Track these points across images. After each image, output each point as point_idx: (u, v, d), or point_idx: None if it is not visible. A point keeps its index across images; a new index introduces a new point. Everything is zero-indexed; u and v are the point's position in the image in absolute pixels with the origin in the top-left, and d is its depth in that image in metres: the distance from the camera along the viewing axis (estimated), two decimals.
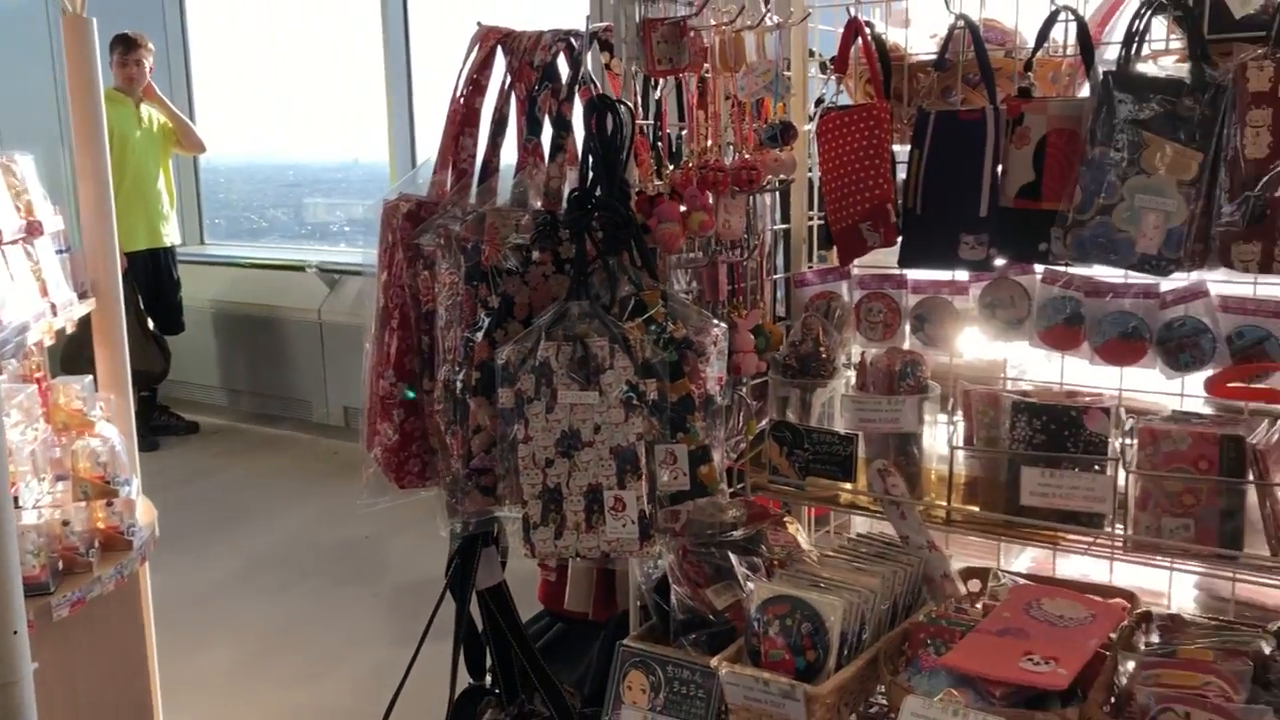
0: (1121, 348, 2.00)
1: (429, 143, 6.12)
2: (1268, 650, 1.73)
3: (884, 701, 1.91)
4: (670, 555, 2.01)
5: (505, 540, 2.20)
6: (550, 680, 2.30)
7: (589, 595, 2.78)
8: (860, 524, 2.49)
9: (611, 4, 2.07)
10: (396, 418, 2.07)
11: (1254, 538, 1.84)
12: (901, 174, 2.18)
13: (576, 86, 2.07)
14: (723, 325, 1.94)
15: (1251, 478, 1.83)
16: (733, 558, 1.99)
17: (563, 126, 2.05)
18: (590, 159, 1.92)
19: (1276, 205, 1.77)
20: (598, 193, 1.91)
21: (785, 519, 2.22)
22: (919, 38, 2.30)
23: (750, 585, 1.90)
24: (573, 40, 2.08)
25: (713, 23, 2.12)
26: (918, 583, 2.04)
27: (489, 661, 2.34)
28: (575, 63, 2.08)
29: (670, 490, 1.85)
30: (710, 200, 2.09)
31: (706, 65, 2.13)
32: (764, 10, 2.17)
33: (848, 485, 2.18)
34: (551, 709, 2.28)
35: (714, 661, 1.84)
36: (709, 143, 2.19)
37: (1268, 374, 1.88)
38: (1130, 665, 1.69)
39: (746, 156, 2.19)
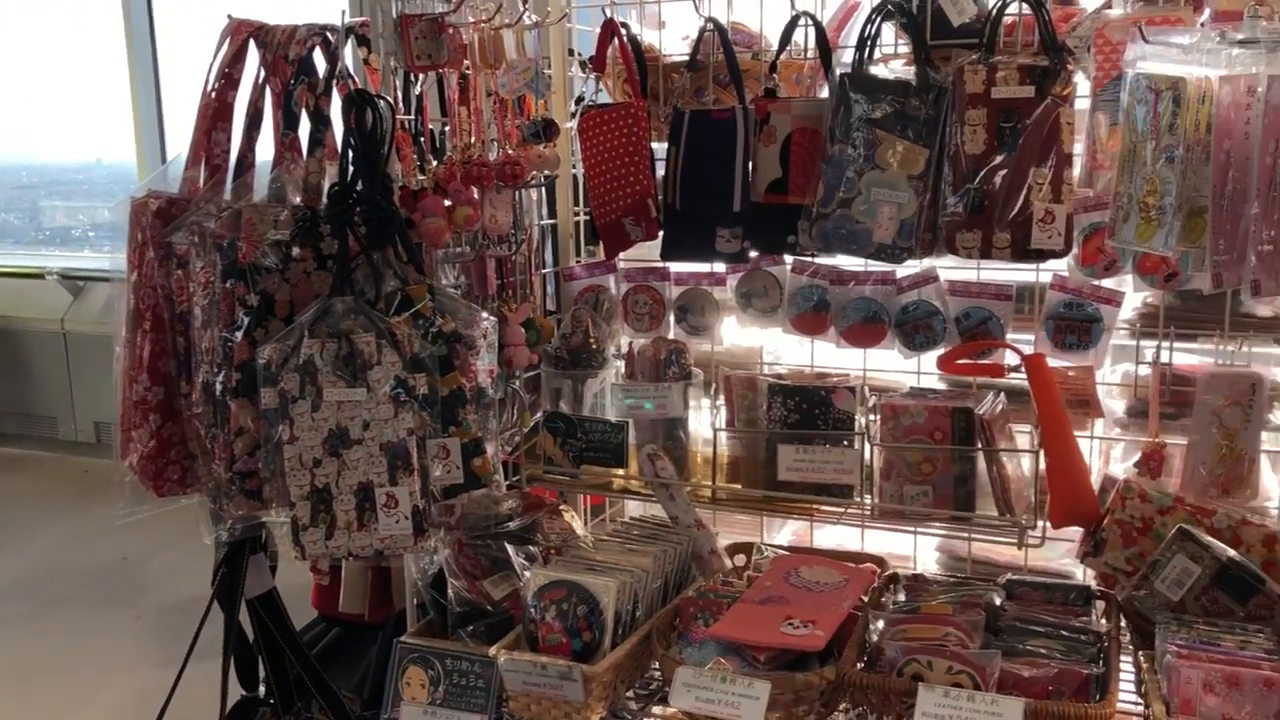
0: (864, 331, 2.15)
1: (180, 140, 5.80)
2: (998, 601, 1.91)
3: (659, 675, 1.98)
4: (446, 549, 2.01)
5: (274, 545, 2.15)
6: (327, 686, 2.25)
7: (364, 597, 2.73)
8: (634, 508, 2.57)
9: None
10: (152, 423, 1.98)
11: (984, 500, 2.03)
12: (661, 171, 2.27)
13: (334, 81, 2.04)
14: (492, 318, 1.96)
15: (980, 445, 2.00)
16: (509, 548, 2.01)
17: (321, 121, 2.01)
18: (350, 154, 1.90)
19: (994, 197, 1.95)
20: (359, 187, 1.89)
21: (561, 507, 2.27)
22: (672, 39, 2.39)
23: (527, 574, 1.93)
24: (329, 35, 2.05)
25: (471, 20, 2.13)
26: (687, 560, 2.13)
27: (262, 672, 2.27)
28: (332, 57, 2.05)
29: (444, 484, 1.86)
30: (475, 195, 2.10)
31: (466, 62, 2.14)
32: (522, 9, 2.20)
33: (620, 471, 2.24)
34: (330, 715, 2.24)
35: (492, 651, 1.85)
36: (472, 138, 2.20)
37: (990, 351, 2.07)
38: (880, 623, 1.83)
39: (510, 152, 2.21)
